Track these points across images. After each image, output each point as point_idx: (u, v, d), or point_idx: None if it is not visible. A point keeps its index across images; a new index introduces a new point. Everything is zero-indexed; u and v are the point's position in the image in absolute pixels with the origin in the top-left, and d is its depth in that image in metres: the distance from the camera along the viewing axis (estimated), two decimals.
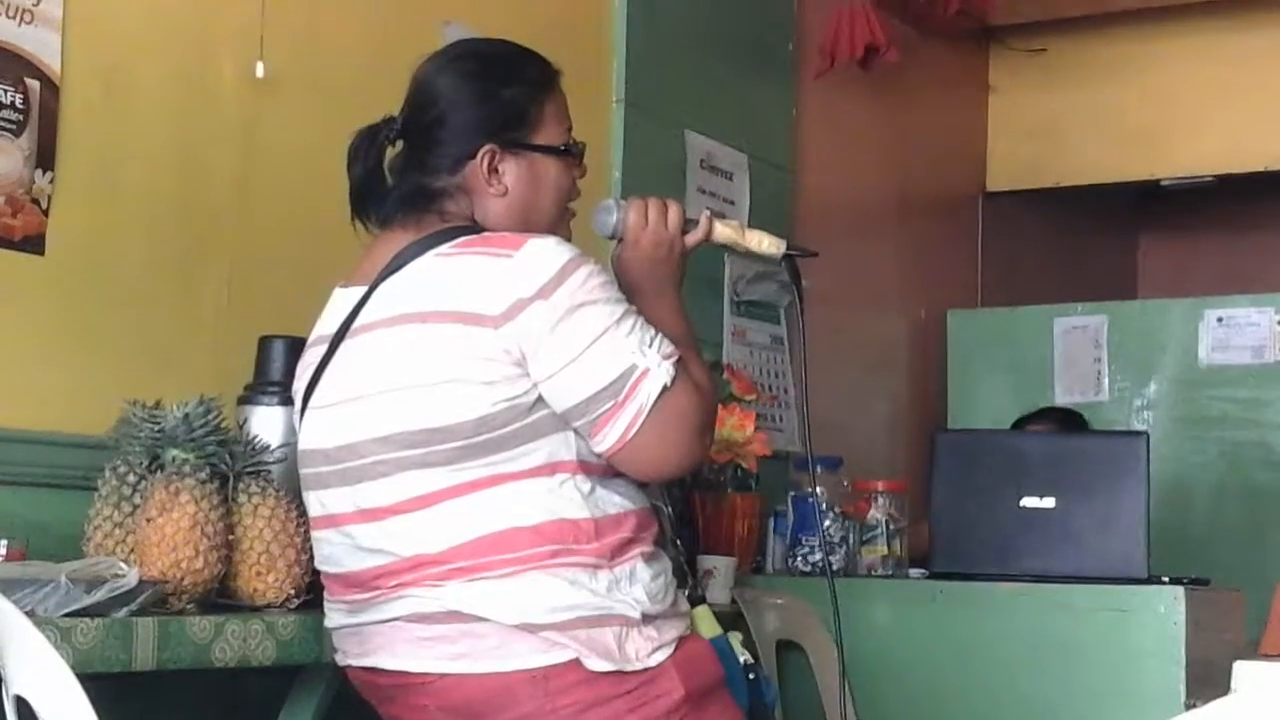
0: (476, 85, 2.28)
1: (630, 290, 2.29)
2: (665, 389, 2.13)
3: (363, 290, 2.21)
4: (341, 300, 2.25)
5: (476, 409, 2.09)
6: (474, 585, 2.09)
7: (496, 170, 2.25)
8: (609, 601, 2.11)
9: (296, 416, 2.30)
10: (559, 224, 2.31)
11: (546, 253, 2.12)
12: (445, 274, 2.15)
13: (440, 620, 2.11)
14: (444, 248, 2.17)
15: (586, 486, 2.15)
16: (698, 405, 2.18)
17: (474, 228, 2.21)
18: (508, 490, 2.11)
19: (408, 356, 2.13)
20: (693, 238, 2.37)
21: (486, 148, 2.24)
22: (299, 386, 2.30)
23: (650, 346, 2.13)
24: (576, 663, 2.08)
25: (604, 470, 2.18)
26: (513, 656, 2.08)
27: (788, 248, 2.44)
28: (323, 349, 2.24)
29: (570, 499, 2.13)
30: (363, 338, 2.19)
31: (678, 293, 2.34)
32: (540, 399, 2.12)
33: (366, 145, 2.30)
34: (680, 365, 2.16)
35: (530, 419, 2.12)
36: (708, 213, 2.42)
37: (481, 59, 2.36)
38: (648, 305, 2.26)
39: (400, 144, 2.31)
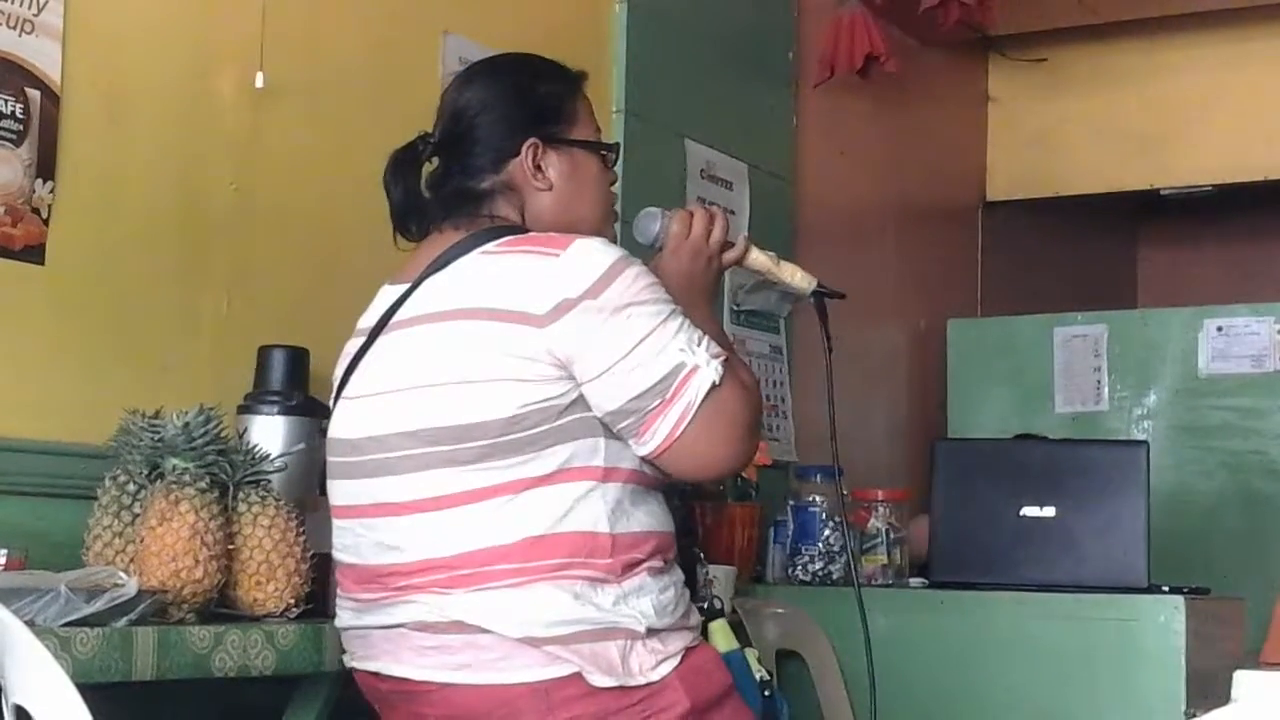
0: (509, 84, 2.31)
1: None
2: (714, 386, 2.12)
3: (406, 286, 2.22)
4: (386, 295, 2.26)
5: (507, 408, 2.09)
6: (479, 594, 2.09)
7: (540, 166, 2.26)
8: (614, 616, 2.10)
9: (331, 404, 2.31)
10: (604, 223, 2.32)
11: (594, 253, 2.12)
12: (490, 272, 2.15)
13: (444, 630, 2.10)
14: (490, 246, 2.17)
15: (614, 499, 2.13)
16: (745, 403, 2.17)
17: (521, 228, 2.22)
18: (527, 497, 2.10)
19: (447, 352, 2.13)
20: (730, 256, 2.39)
21: (530, 142, 2.26)
22: (335, 375, 2.31)
23: (699, 345, 2.13)
24: (579, 676, 2.07)
25: (636, 479, 2.17)
26: (515, 669, 2.08)
27: (818, 285, 2.47)
28: (361, 340, 2.25)
29: (593, 510, 2.12)
30: (402, 332, 2.19)
31: (710, 305, 2.35)
32: (575, 402, 2.11)
33: (405, 163, 2.31)
34: (727, 364, 2.15)
35: (560, 422, 2.11)
36: (745, 235, 2.44)
37: (508, 63, 2.41)
38: (688, 313, 2.26)
39: (436, 160, 2.32)
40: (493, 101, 2.28)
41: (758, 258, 2.44)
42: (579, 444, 2.12)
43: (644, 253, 2.39)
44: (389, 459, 2.16)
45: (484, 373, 2.10)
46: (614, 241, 2.29)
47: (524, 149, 2.25)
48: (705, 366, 2.12)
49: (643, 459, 2.15)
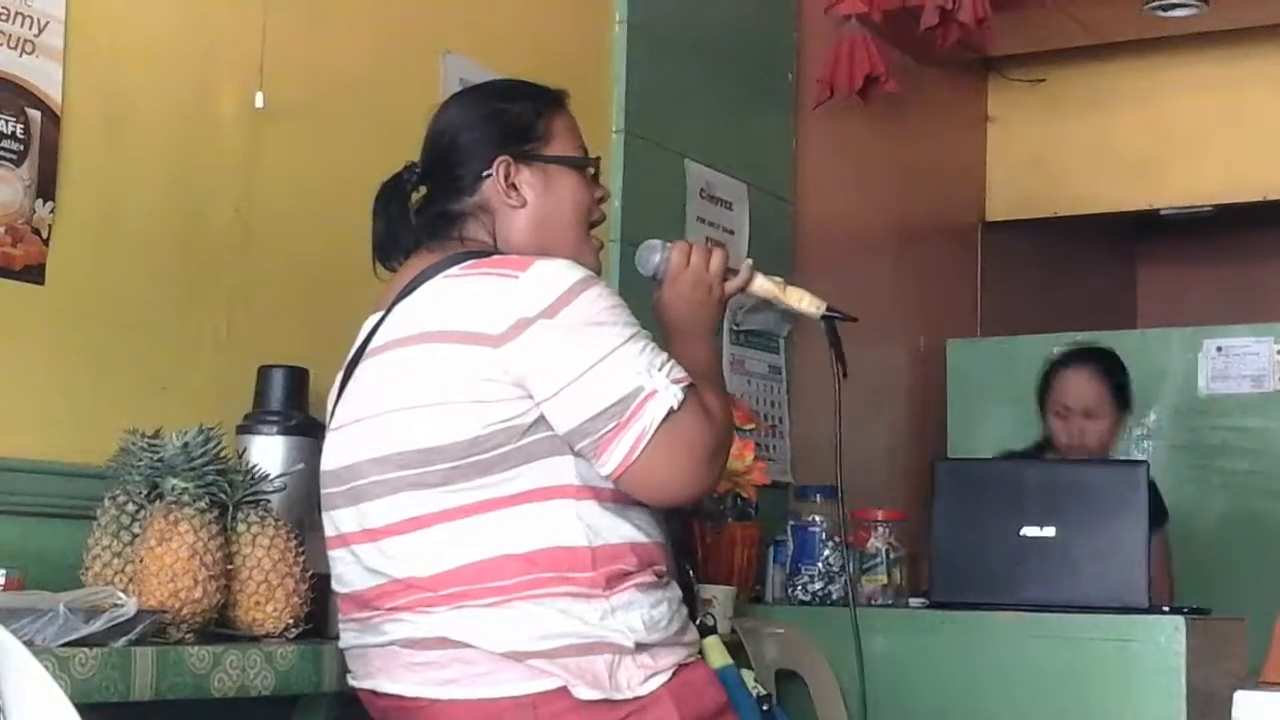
0: (483, 105, 2.33)
1: (666, 329, 2.31)
2: (672, 412, 2.11)
3: (382, 313, 2.24)
4: (368, 324, 2.28)
5: (468, 430, 2.09)
6: (461, 612, 2.10)
7: (515, 184, 2.26)
8: (600, 630, 2.10)
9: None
10: (583, 242, 2.32)
11: (553, 273, 2.12)
12: (452, 295, 2.16)
13: (430, 646, 2.11)
14: (454, 269, 2.18)
15: (590, 513, 2.13)
16: (708, 431, 2.15)
17: (488, 250, 2.22)
18: (501, 516, 2.11)
19: (409, 377, 2.15)
20: (733, 284, 2.39)
21: (501, 159, 2.27)
22: (328, 408, 2.33)
23: (660, 370, 2.12)
24: (565, 690, 2.07)
25: (614, 496, 2.16)
26: (501, 683, 2.08)
27: (827, 309, 2.45)
28: (343, 373, 2.28)
29: (569, 526, 2.12)
30: (375, 359, 2.22)
31: (711, 336, 2.35)
32: (538, 421, 2.11)
33: (391, 195, 2.33)
34: (691, 390, 2.14)
35: (523, 442, 2.11)
36: (749, 263, 2.43)
37: (485, 86, 2.46)
38: (681, 344, 2.27)
39: (424, 190, 2.33)
40: (467, 123, 2.30)
41: (763, 284, 2.43)
42: (546, 463, 2.12)
43: (646, 283, 2.39)
44: (363, 485, 2.17)
45: (444, 395, 2.10)
46: (599, 255, 2.31)
47: (496, 166, 2.26)
48: (664, 391, 2.11)
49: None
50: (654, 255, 2.37)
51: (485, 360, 2.09)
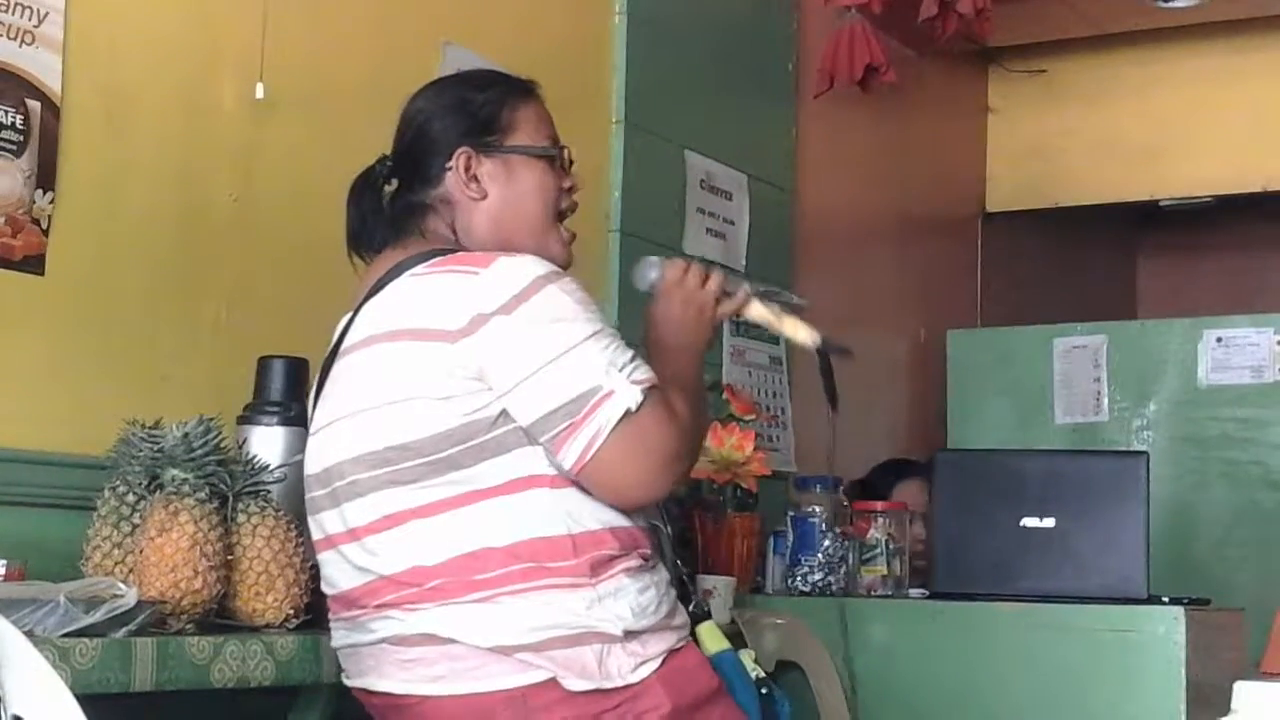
0: (449, 96, 2.32)
1: (651, 343, 2.29)
2: (629, 413, 2.08)
3: (352, 314, 2.24)
4: (340, 325, 2.28)
5: (436, 425, 2.09)
6: (447, 609, 2.09)
7: (475, 175, 2.26)
8: (588, 619, 2.09)
9: None
10: (548, 234, 2.30)
11: (515, 269, 2.11)
12: (415, 294, 2.15)
13: (417, 643, 2.11)
14: (419, 268, 2.17)
15: (569, 500, 2.12)
16: (668, 434, 2.12)
17: (452, 248, 2.22)
18: (479, 509, 2.10)
19: (375, 376, 2.15)
20: (726, 308, 2.36)
21: (461, 150, 2.26)
22: (308, 412, 2.33)
23: (620, 370, 2.09)
24: (554, 682, 2.07)
25: None
26: (489, 677, 2.08)
27: (822, 342, 2.43)
28: (320, 374, 2.28)
29: (547, 515, 2.11)
30: (345, 361, 2.22)
31: (697, 355, 2.31)
32: (504, 413, 2.10)
33: (363, 188, 2.33)
34: (654, 392, 2.11)
35: (494, 433, 2.10)
36: (747, 288, 2.40)
37: (455, 77, 2.46)
38: (666, 359, 2.24)
39: (395, 181, 2.33)
40: (432, 115, 2.29)
41: (758, 311, 2.40)
42: (518, 453, 2.11)
43: (642, 298, 2.38)
44: (342, 486, 2.18)
45: (408, 392, 2.10)
46: (569, 247, 2.29)
47: (455, 158, 2.25)
48: (621, 391, 2.08)
49: None
50: (651, 272, 2.36)
51: (444, 355, 2.09)
